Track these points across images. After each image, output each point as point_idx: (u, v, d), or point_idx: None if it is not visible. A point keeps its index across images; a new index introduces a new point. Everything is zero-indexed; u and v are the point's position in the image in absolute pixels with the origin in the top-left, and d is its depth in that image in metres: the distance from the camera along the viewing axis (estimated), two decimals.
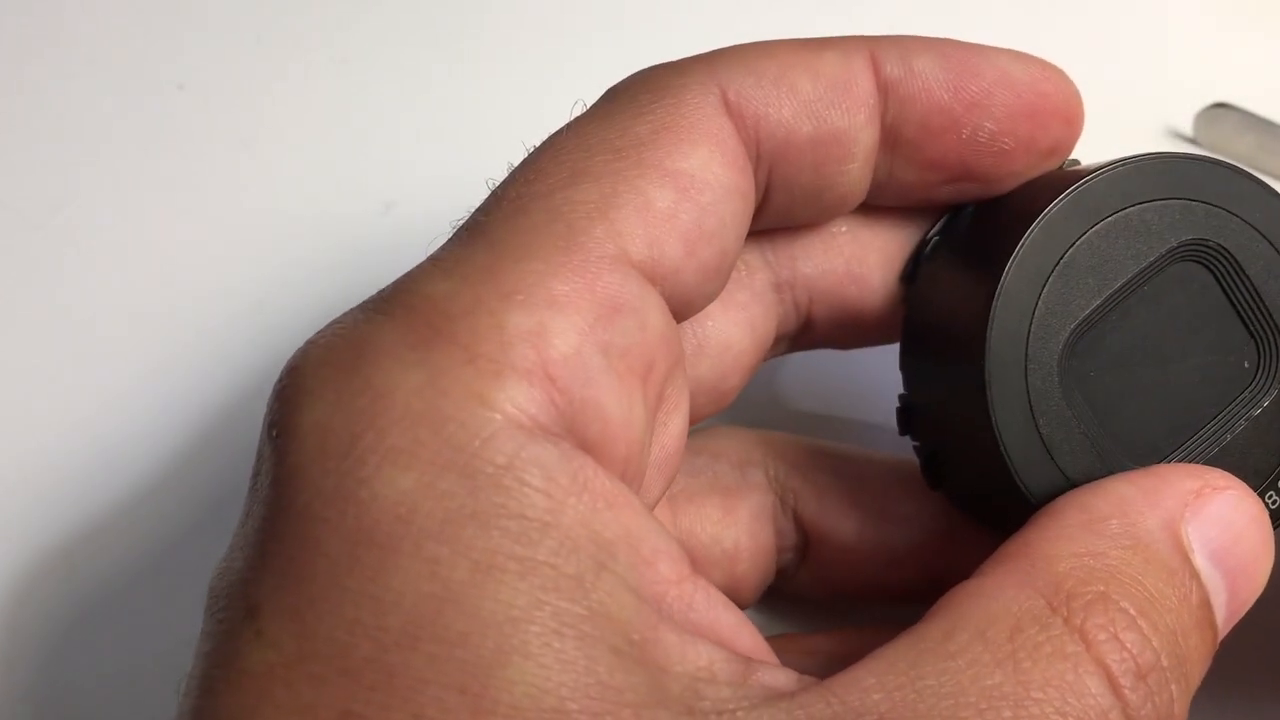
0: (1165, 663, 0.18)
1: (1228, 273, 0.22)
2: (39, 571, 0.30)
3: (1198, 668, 0.19)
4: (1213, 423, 0.22)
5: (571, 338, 0.19)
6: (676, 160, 0.21)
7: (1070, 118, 0.23)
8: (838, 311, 0.25)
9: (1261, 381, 0.22)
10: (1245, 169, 0.22)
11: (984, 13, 0.37)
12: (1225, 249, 0.22)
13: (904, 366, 0.25)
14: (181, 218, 0.34)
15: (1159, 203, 0.22)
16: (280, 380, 0.19)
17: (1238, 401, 0.22)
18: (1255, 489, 0.22)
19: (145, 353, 0.33)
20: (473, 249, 0.19)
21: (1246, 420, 0.22)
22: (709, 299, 0.22)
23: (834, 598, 0.28)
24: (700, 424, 0.25)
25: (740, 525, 0.26)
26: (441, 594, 0.17)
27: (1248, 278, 0.22)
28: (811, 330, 0.26)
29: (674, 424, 0.22)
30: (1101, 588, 0.19)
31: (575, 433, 0.19)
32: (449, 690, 0.16)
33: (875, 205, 0.24)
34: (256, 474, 0.19)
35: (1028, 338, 0.21)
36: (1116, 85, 0.32)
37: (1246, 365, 0.22)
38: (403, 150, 0.35)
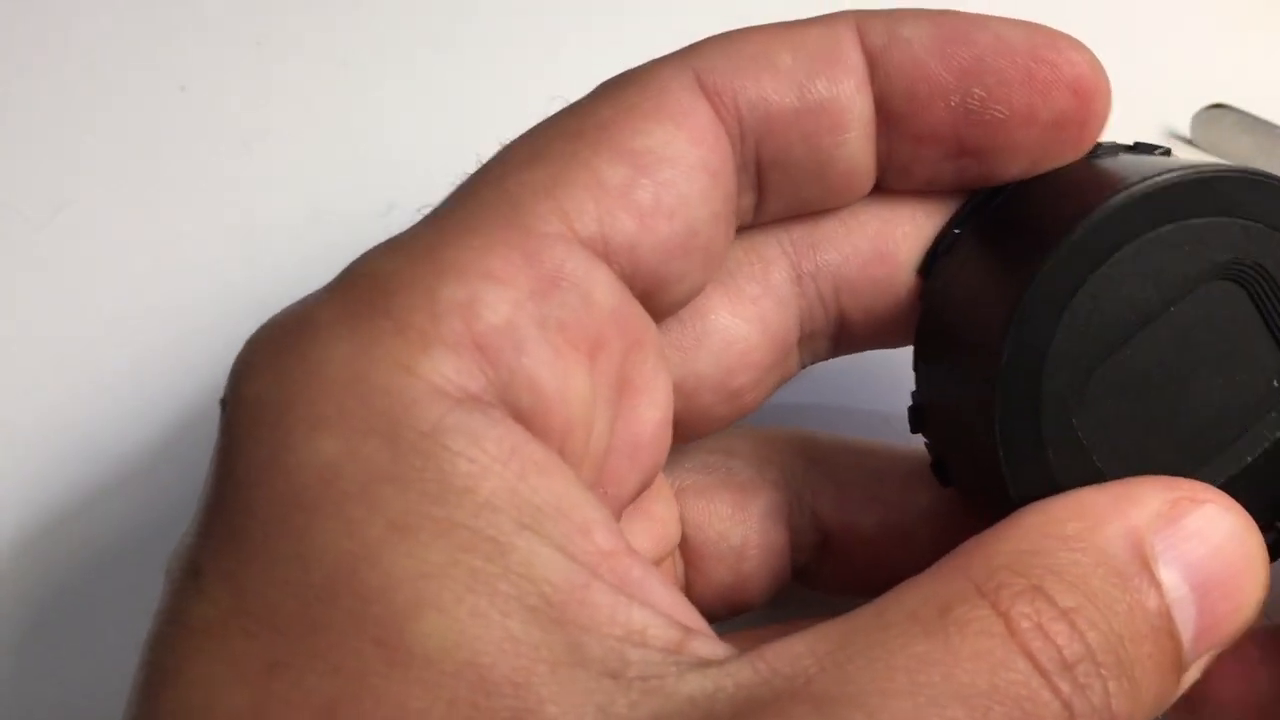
0: (1101, 659, 0.18)
1: (1263, 290, 0.21)
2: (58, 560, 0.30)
3: (1151, 677, 0.18)
4: (1236, 443, 0.21)
5: (504, 309, 0.19)
6: (635, 139, 0.21)
7: (1082, 89, 0.22)
8: (869, 300, 0.24)
9: None
10: None
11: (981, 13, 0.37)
12: (1262, 266, 0.21)
13: (917, 367, 0.24)
14: (183, 218, 0.34)
15: (1196, 221, 0.20)
16: (236, 359, 0.20)
17: (1263, 422, 0.21)
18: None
19: (145, 353, 0.33)
20: (422, 229, 0.20)
21: (1271, 441, 0.21)
22: (688, 280, 0.22)
23: (857, 596, 0.28)
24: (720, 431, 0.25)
25: (750, 523, 0.26)
26: (359, 551, 0.17)
27: None
28: (848, 327, 0.25)
29: (645, 410, 0.22)
30: (1036, 581, 0.18)
31: (508, 403, 0.19)
32: (365, 642, 0.17)
33: (893, 190, 0.24)
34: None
35: (1044, 356, 0.20)
36: (1114, 85, 0.32)
37: (1276, 384, 0.21)
38: (404, 150, 0.35)
